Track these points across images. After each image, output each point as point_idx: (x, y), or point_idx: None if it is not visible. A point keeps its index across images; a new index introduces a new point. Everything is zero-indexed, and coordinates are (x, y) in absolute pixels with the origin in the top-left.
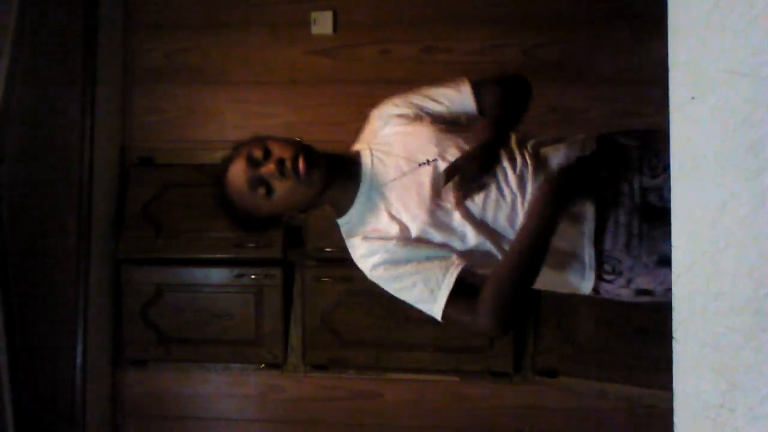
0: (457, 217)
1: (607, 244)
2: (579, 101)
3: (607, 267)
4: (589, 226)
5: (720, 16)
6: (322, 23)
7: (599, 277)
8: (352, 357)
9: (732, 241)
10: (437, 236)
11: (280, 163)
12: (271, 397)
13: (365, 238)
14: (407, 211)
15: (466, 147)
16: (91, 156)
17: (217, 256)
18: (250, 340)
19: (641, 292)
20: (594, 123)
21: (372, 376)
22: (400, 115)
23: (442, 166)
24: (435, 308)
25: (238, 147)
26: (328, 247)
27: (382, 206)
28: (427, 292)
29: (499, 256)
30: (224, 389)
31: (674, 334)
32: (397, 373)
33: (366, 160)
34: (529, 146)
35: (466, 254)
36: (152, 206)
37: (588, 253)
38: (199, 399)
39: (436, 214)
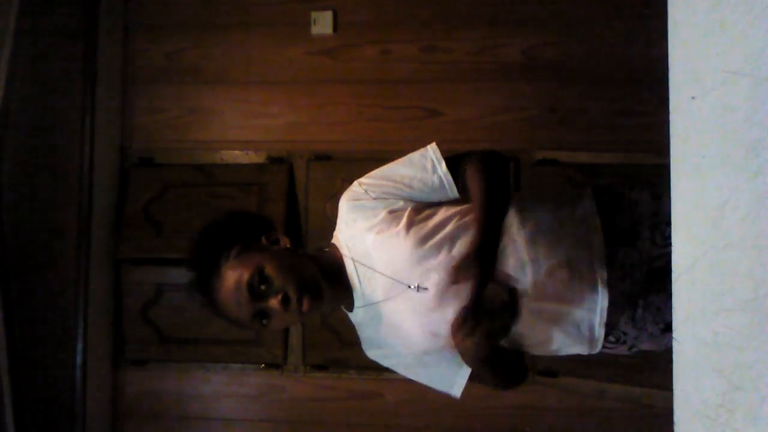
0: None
1: (614, 318)
2: (579, 101)
3: (611, 338)
4: (601, 303)
5: (720, 16)
6: (322, 23)
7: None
8: (352, 357)
9: (732, 241)
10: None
11: (286, 300)
12: (271, 397)
13: (379, 345)
14: (404, 336)
15: (447, 269)
16: (91, 156)
17: None
18: (250, 340)
19: (640, 352)
20: (594, 123)
21: (372, 376)
22: (374, 214)
23: (430, 293)
24: (454, 392)
25: (221, 247)
26: (327, 248)
27: (383, 321)
28: (445, 387)
29: None
30: (224, 389)
31: (674, 334)
32: (396, 373)
33: (352, 273)
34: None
35: None
36: (152, 206)
37: (599, 332)
38: (199, 399)
39: (432, 342)
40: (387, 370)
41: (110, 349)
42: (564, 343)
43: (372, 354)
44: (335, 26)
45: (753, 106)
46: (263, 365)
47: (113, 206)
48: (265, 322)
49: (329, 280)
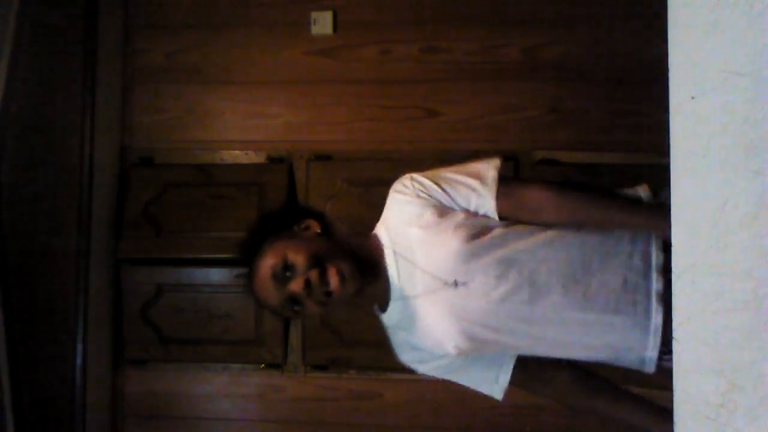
0: (494, 333)
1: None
2: (579, 101)
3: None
4: (655, 321)
5: (720, 16)
6: (322, 23)
7: (659, 358)
8: (352, 357)
9: (732, 241)
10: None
11: (308, 285)
12: (271, 397)
13: (413, 347)
14: (436, 337)
15: (492, 272)
16: (91, 156)
17: (217, 256)
18: (250, 340)
19: None
20: (594, 123)
21: (372, 376)
22: (422, 210)
23: (469, 289)
24: (495, 394)
25: (257, 243)
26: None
27: (418, 318)
28: (485, 389)
29: None
30: (224, 389)
31: (674, 334)
32: (397, 373)
33: (392, 266)
34: None
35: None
36: (152, 206)
37: (651, 354)
38: (199, 399)
39: (473, 336)
40: (387, 370)
41: (110, 349)
42: (611, 356)
43: (406, 358)
44: (335, 26)
45: (753, 106)
46: (263, 365)
47: (113, 206)
48: (297, 308)
49: (362, 270)
